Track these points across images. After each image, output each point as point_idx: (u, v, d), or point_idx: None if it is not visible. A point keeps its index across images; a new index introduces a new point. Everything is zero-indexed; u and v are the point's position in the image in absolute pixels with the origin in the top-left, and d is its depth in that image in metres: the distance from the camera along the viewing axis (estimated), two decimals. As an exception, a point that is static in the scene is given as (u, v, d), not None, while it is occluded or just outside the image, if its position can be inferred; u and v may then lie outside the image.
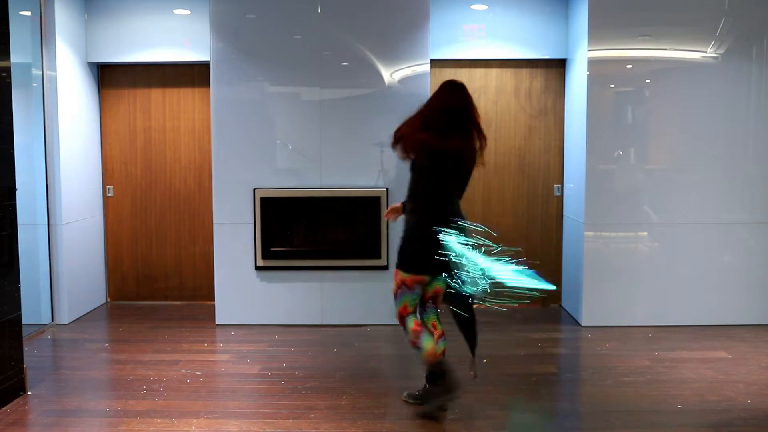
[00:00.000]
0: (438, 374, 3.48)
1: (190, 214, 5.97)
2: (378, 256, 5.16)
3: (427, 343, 3.48)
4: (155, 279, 6.02)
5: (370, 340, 4.90)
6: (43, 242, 5.24)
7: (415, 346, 3.51)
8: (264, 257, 5.18)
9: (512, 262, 3.18)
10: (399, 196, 5.17)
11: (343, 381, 4.05)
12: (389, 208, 3.97)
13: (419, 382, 4.11)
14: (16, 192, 3.83)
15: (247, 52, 5.12)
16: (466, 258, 3.26)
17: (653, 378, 4.09)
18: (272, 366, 4.32)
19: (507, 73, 5.72)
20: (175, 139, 5.92)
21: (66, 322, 5.33)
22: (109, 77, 5.89)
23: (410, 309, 3.59)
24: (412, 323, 3.56)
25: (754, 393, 3.85)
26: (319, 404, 3.70)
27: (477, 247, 3.28)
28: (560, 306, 5.78)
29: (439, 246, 3.36)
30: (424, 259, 3.44)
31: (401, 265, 3.58)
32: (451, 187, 3.55)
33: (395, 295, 3.61)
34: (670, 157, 5.20)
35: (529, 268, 3.15)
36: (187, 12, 5.61)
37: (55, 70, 5.18)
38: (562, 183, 5.76)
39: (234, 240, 5.20)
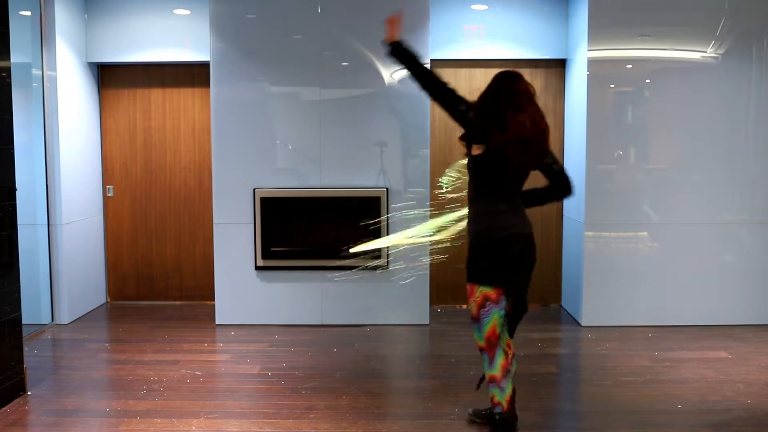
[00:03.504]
0: (505, 425, 3.11)
1: (190, 214, 5.97)
2: (378, 256, 5.16)
3: (509, 389, 3.10)
4: (155, 279, 6.02)
5: (370, 340, 4.90)
6: (43, 242, 5.24)
7: (497, 384, 3.09)
8: (264, 257, 5.18)
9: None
10: (399, 195, 5.19)
11: (343, 381, 4.05)
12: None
13: (421, 383, 4.11)
14: (16, 192, 3.84)
15: (247, 52, 5.12)
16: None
17: (653, 378, 4.09)
18: (272, 366, 4.32)
19: (507, 73, 5.71)
20: (175, 139, 5.92)
21: (66, 322, 5.33)
22: (109, 77, 5.89)
23: (499, 331, 3.11)
24: (502, 358, 3.10)
25: (754, 393, 3.85)
26: (319, 404, 3.70)
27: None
28: (560, 306, 5.78)
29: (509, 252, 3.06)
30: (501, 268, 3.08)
31: (481, 278, 3.10)
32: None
33: (477, 318, 3.12)
34: (670, 157, 5.20)
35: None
36: (187, 12, 5.61)
37: (55, 70, 5.18)
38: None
39: (234, 240, 5.20)
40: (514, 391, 3.16)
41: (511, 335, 3.22)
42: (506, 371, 3.10)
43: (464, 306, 5.78)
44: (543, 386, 3.98)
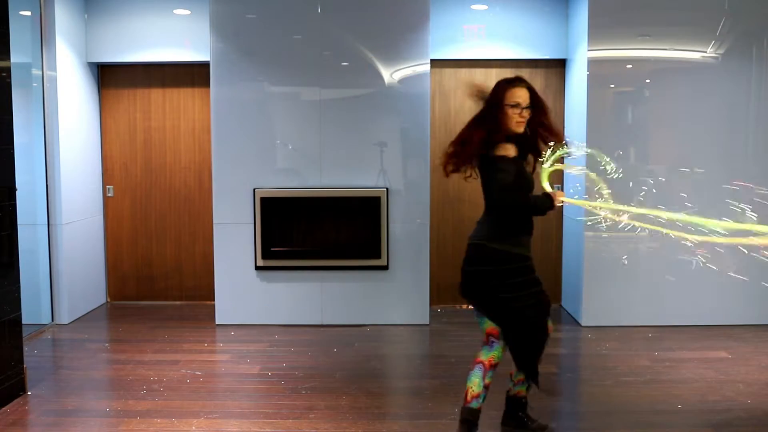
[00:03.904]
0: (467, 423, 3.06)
1: (190, 214, 5.97)
2: (378, 256, 5.16)
3: (469, 381, 3.05)
4: (155, 279, 6.02)
5: (370, 340, 4.90)
6: (43, 242, 5.24)
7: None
8: (264, 257, 5.18)
9: None
10: (399, 195, 5.19)
11: (343, 381, 4.05)
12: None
13: (421, 383, 4.11)
14: (16, 192, 3.83)
15: (247, 52, 5.11)
16: None
17: (653, 378, 4.09)
18: (272, 366, 4.32)
19: (507, 73, 5.67)
20: (175, 139, 5.92)
21: (66, 322, 5.33)
22: (109, 77, 5.89)
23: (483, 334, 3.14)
24: (479, 354, 3.11)
25: (754, 393, 3.85)
26: (319, 404, 3.70)
27: None
28: (560, 306, 5.78)
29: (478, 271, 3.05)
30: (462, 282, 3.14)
31: None
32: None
33: None
34: (670, 157, 5.20)
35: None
36: (187, 12, 5.60)
37: (55, 70, 5.18)
38: (562, 183, 5.76)
39: (234, 240, 5.20)
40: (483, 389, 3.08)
41: (515, 362, 3.10)
42: (475, 365, 3.06)
43: (464, 306, 5.78)
44: (543, 386, 3.97)
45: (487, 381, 3.03)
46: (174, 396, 3.83)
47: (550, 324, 3.14)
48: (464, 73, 5.70)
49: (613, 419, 3.52)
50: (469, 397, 3.02)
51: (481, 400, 3.01)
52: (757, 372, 4.19)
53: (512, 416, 3.26)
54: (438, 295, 5.78)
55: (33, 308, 5.04)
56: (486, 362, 3.04)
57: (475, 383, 3.02)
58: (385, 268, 5.20)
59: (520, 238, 3.05)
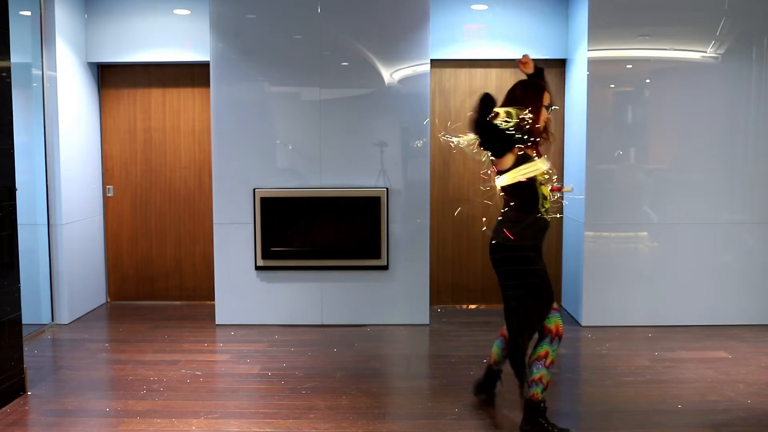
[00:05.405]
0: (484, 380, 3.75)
1: (190, 214, 5.97)
2: (378, 256, 5.16)
3: (493, 348, 3.71)
4: (155, 279, 6.02)
5: (370, 340, 4.90)
6: (43, 242, 5.25)
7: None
8: (264, 257, 5.18)
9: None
10: (399, 195, 5.19)
11: (343, 381, 4.05)
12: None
13: (421, 383, 4.11)
14: (16, 192, 3.84)
15: (247, 52, 5.12)
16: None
17: (653, 378, 4.09)
18: (272, 366, 4.32)
19: (507, 73, 5.72)
20: (175, 139, 5.92)
21: (66, 322, 5.33)
22: (109, 77, 5.89)
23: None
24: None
25: (754, 393, 3.86)
26: (319, 404, 3.70)
27: None
28: (560, 306, 5.78)
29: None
30: None
31: None
32: None
33: None
34: (670, 157, 5.20)
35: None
36: (187, 12, 5.61)
37: (55, 70, 5.18)
38: (562, 183, 5.76)
39: (234, 240, 5.21)
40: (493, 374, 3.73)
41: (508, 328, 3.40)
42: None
43: (464, 306, 5.79)
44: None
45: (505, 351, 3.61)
46: (174, 396, 3.83)
47: (558, 321, 3.36)
48: (464, 73, 5.70)
49: (613, 419, 3.52)
50: (492, 360, 3.70)
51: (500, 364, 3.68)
52: (757, 372, 4.19)
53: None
54: (438, 295, 5.78)
55: (33, 308, 5.04)
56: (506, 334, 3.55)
57: (494, 352, 3.66)
58: (385, 268, 5.20)
59: (526, 231, 3.27)
